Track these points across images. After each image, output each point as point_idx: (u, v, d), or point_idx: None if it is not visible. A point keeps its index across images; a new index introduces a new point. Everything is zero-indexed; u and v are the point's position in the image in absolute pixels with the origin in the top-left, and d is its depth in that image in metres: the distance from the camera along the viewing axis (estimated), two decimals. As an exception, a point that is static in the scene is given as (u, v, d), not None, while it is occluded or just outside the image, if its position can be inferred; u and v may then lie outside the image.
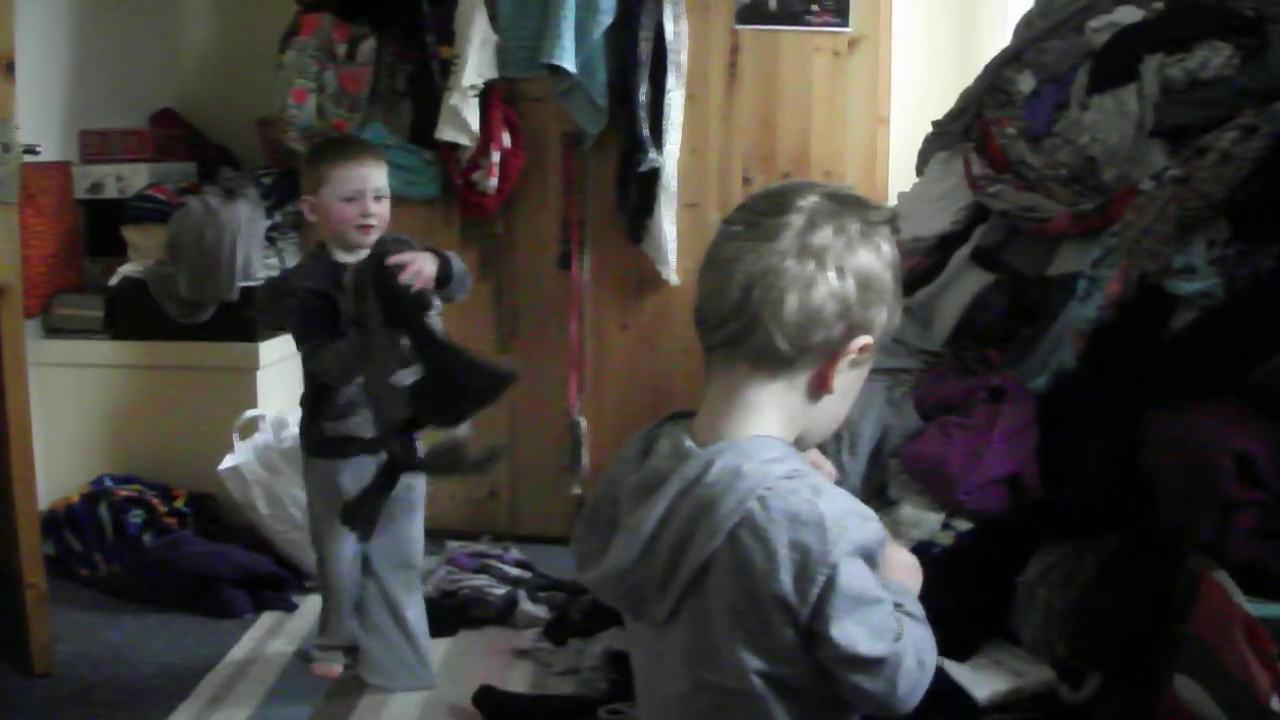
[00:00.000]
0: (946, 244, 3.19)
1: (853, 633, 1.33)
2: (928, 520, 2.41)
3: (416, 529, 3.37)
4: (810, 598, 1.32)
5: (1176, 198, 2.39)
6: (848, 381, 1.45)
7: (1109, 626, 2.17)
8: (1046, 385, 2.58)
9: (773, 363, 1.41)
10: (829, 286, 1.38)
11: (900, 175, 4.07)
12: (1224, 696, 1.85)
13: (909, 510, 2.44)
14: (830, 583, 1.32)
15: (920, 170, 3.57)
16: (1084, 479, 2.31)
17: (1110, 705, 2.15)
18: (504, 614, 3.72)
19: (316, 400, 3.29)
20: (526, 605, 3.73)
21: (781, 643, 1.35)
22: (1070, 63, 2.99)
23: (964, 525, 2.45)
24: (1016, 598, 2.39)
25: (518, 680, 3.36)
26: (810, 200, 1.41)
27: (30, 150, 3.61)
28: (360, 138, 3.26)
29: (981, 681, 2.21)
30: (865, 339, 1.41)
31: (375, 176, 3.16)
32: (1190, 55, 2.71)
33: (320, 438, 3.29)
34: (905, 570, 1.52)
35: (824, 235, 1.39)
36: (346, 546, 3.32)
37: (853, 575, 1.33)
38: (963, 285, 3.00)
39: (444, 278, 3.09)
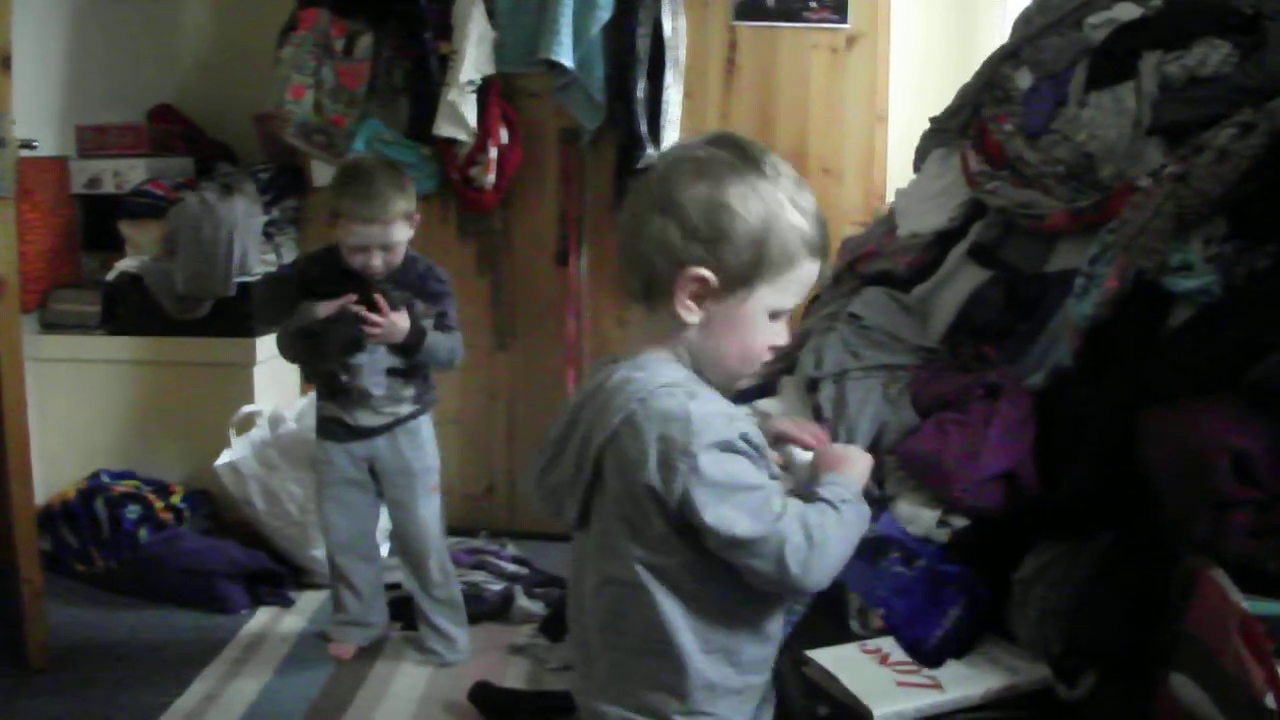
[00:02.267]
0: (944, 240, 3.18)
1: (727, 516, 1.49)
2: (923, 517, 2.40)
3: (425, 513, 3.45)
4: (675, 488, 1.48)
5: (1174, 195, 2.38)
6: (726, 317, 1.57)
7: (1105, 624, 2.17)
8: (1043, 382, 2.58)
9: (642, 299, 1.61)
10: (652, 225, 1.55)
11: (898, 172, 4.06)
12: (1220, 694, 1.85)
13: (905, 507, 2.43)
14: (693, 472, 1.48)
15: (917, 167, 3.56)
16: (1080, 476, 2.30)
17: (1106, 703, 2.15)
18: (500, 610, 3.73)
19: (319, 382, 3.46)
20: (523, 601, 3.73)
21: (656, 531, 1.52)
22: (1068, 60, 2.98)
23: (960, 522, 2.44)
24: (1012, 595, 2.39)
25: (514, 676, 3.37)
26: (677, 150, 1.64)
27: (27, 145, 3.60)
28: (366, 175, 3.27)
29: (976, 678, 2.21)
30: (697, 271, 1.53)
31: (385, 234, 3.23)
32: (1188, 52, 2.70)
33: (318, 417, 3.47)
34: (837, 459, 1.75)
35: (659, 175, 1.57)
36: (340, 520, 3.40)
37: (715, 464, 1.49)
38: (960, 282, 3.00)
39: (410, 347, 3.28)
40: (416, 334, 3.24)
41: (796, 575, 1.53)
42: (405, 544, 3.48)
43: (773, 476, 1.60)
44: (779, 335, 1.62)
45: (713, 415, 1.51)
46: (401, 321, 3.21)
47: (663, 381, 1.54)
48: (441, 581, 3.47)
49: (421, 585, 3.46)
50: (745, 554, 1.52)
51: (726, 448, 1.50)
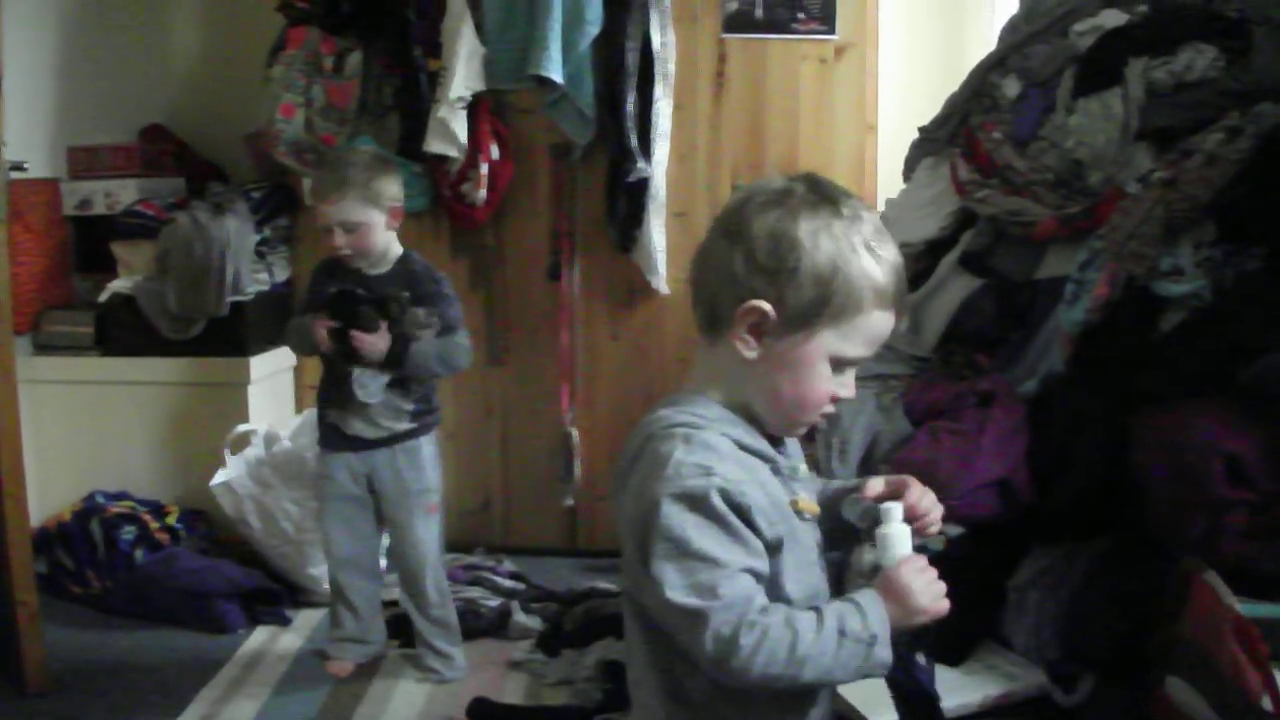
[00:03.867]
0: (934, 249, 3.20)
1: (668, 575, 1.41)
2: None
3: (421, 534, 3.43)
4: (640, 529, 1.45)
5: (1163, 200, 2.39)
6: (782, 355, 1.50)
7: (1101, 629, 2.17)
8: (1036, 389, 2.59)
9: (704, 330, 1.56)
10: (719, 253, 1.51)
11: (889, 182, 4.07)
12: (1216, 697, 1.86)
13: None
14: (652, 517, 1.43)
15: (907, 176, 3.58)
16: (1074, 482, 2.31)
17: (1103, 708, 2.15)
18: (497, 626, 3.72)
19: (321, 389, 3.48)
20: (520, 617, 3.72)
21: (635, 569, 1.48)
22: (1055, 67, 3.00)
23: (955, 530, 2.45)
24: (1008, 602, 2.40)
25: (512, 692, 3.36)
26: (757, 182, 1.56)
27: (18, 167, 3.61)
28: (341, 161, 3.35)
29: (974, 686, 2.21)
30: (757, 303, 1.48)
31: (339, 211, 3.23)
32: (1175, 58, 2.71)
33: (319, 424, 3.48)
34: (891, 587, 1.47)
35: (733, 204, 1.54)
36: (341, 535, 3.40)
37: (672, 516, 1.42)
38: (951, 290, 3.01)
39: (394, 362, 3.28)
40: (395, 355, 3.24)
41: (714, 661, 1.40)
42: (401, 563, 3.48)
43: (771, 544, 1.46)
44: (844, 386, 1.54)
45: (689, 463, 1.45)
46: (380, 343, 3.22)
47: (679, 420, 1.51)
48: (438, 602, 3.46)
49: (417, 605, 3.46)
50: (673, 619, 1.43)
51: (690, 502, 1.42)
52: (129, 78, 4.74)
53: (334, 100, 4.18)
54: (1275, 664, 1.81)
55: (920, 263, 3.16)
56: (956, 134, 3.29)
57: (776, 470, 1.55)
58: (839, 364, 1.52)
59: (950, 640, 2.31)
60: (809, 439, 2.61)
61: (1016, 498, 2.40)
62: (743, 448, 1.52)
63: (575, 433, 4.34)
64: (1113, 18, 2.96)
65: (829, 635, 1.41)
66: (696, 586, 1.40)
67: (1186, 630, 1.96)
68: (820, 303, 1.47)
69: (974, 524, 2.43)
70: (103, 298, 4.30)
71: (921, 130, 3.53)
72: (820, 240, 1.46)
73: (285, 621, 3.85)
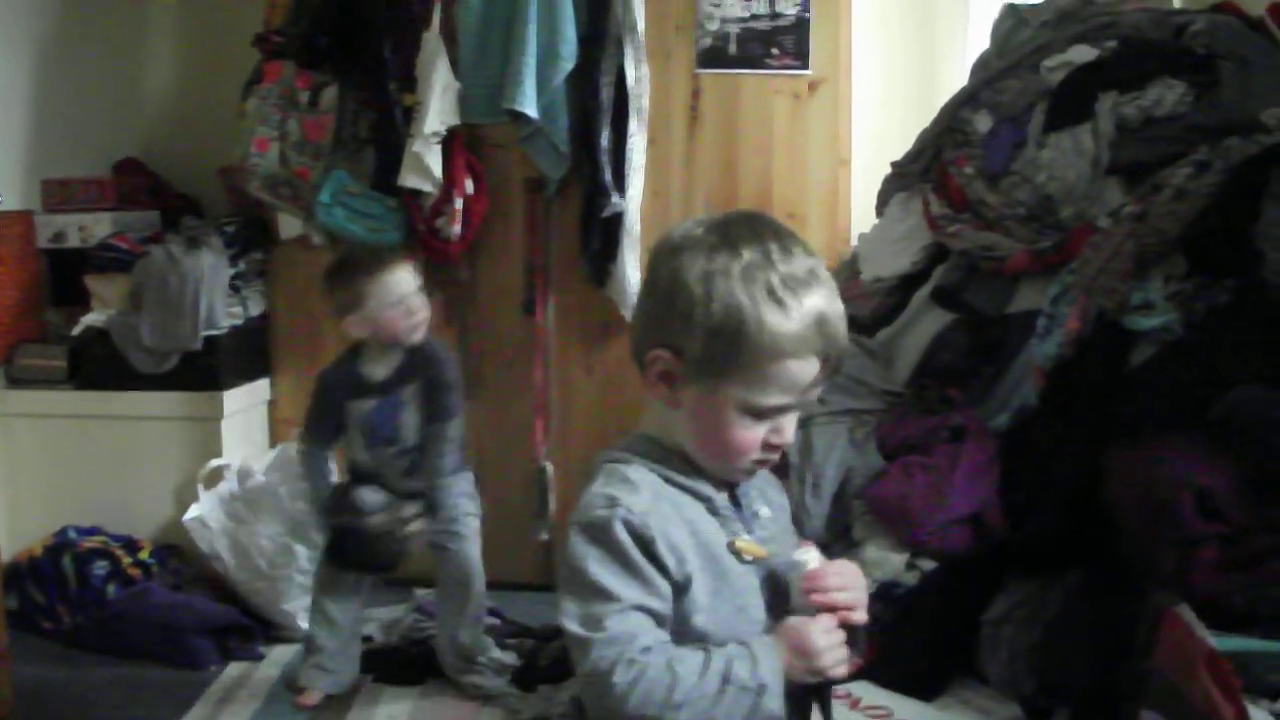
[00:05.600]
0: (907, 284, 3.21)
1: (565, 603, 1.42)
2: (892, 560, 2.42)
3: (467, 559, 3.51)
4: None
5: (1133, 234, 2.41)
6: (693, 405, 1.47)
7: (1074, 663, 2.18)
8: (1008, 423, 2.60)
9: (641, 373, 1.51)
10: (639, 300, 1.52)
11: (862, 216, 4.09)
12: (1188, 731, 1.86)
13: (873, 551, 2.45)
14: (566, 546, 1.43)
15: (880, 211, 3.59)
16: (1046, 515, 2.32)
17: (1077, 742, 2.16)
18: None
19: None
20: (495, 652, 3.71)
21: None
22: (1026, 102, 3.02)
23: (928, 565, 2.45)
24: (982, 636, 2.40)
25: (487, 727, 3.34)
26: (679, 226, 1.50)
27: (-9, 200, 3.60)
28: (363, 248, 3.57)
29: (948, 720, 2.21)
30: (659, 352, 1.45)
31: (409, 277, 3.32)
32: (1144, 93, 2.74)
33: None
34: (793, 636, 1.44)
35: (653, 250, 1.51)
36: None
37: (577, 545, 1.42)
38: (923, 325, 3.02)
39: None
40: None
41: (596, 690, 1.38)
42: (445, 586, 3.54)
43: (679, 582, 1.42)
44: (776, 433, 1.47)
45: (599, 494, 1.45)
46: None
47: (611, 455, 1.52)
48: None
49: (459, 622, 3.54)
50: (571, 651, 1.42)
51: (593, 533, 1.42)
52: (104, 111, 4.74)
53: (309, 134, 4.19)
54: (1247, 697, 1.82)
55: (893, 297, 3.18)
56: (929, 169, 3.31)
57: (713, 510, 1.51)
58: (759, 412, 1.45)
59: (925, 674, 2.31)
60: (782, 476, 2.61)
61: (989, 532, 2.41)
62: (674, 484, 1.49)
63: (549, 467, 4.33)
64: (1083, 53, 2.98)
65: (711, 681, 1.37)
66: (586, 617, 1.39)
67: (1159, 663, 1.96)
68: (716, 355, 1.42)
69: (947, 558, 2.44)
70: (76, 331, 4.28)
71: (894, 165, 3.55)
72: (715, 289, 1.41)
73: (258, 657, 3.82)
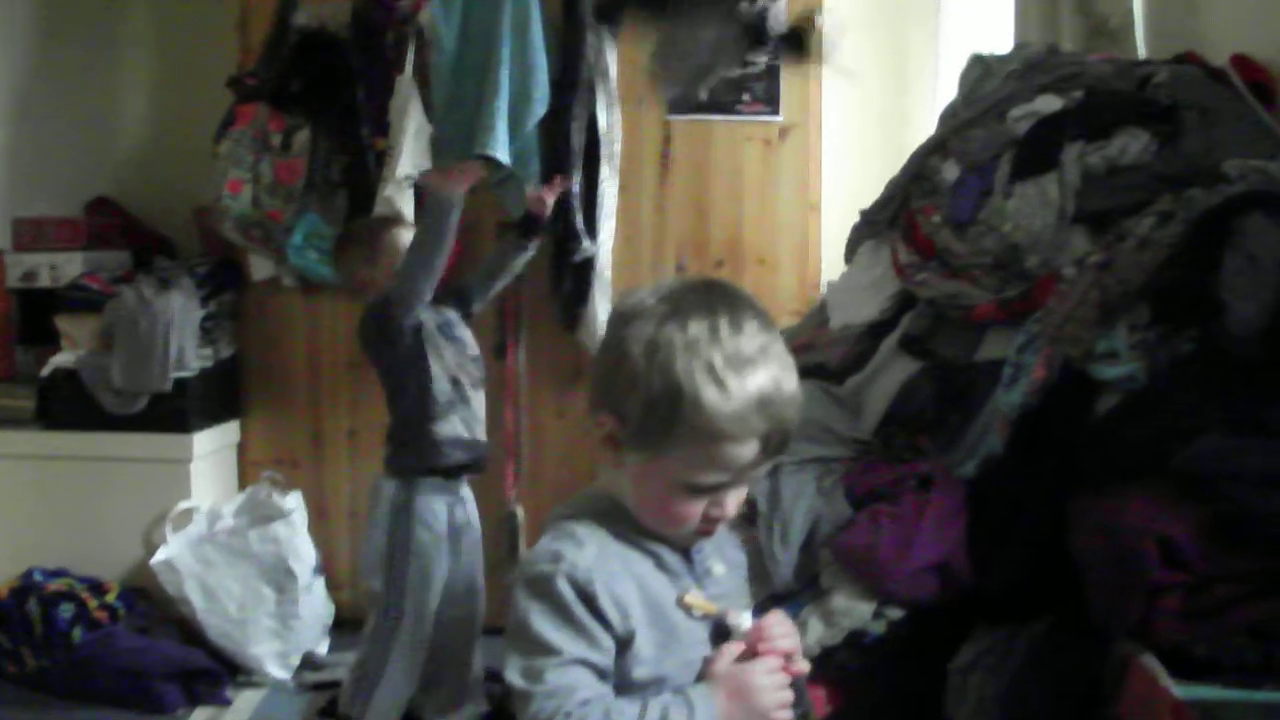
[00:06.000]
0: (876, 332, 3.22)
1: (509, 655, 1.45)
2: (859, 609, 2.42)
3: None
4: None
5: (1098, 283, 2.43)
6: (639, 473, 1.47)
7: (1040, 712, 2.18)
8: (975, 471, 2.60)
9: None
10: (594, 360, 1.54)
11: (833, 262, 4.11)
12: (1152, 780, 1.87)
13: (841, 600, 2.45)
14: (513, 598, 1.45)
15: (849, 259, 3.61)
16: (1012, 564, 2.32)
17: (1043, 790, 2.16)
18: (441, 706, 3.68)
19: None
20: (464, 696, 3.70)
21: None
22: (993, 151, 3.04)
23: (896, 613, 2.46)
24: (949, 685, 2.40)
25: (455, 773, 3.33)
26: (635, 292, 1.50)
27: (-39, 241, 3.59)
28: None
29: (915, 769, 2.21)
30: (603, 416, 1.47)
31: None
32: (1109, 142, 2.76)
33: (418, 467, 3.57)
34: (733, 684, 1.46)
35: (611, 311, 1.53)
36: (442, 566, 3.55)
37: (521, 600, 1.44)
38: (891, 373, 3.03)
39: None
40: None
41: None
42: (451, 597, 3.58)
43: (621, 637, 1.44)
44: (715, 506, 1.47)
45: (545, 549, 1.47)
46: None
47: (561, 511, 1.54)
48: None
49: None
50: (514, 700, 1.43)
51: (535, 587, 1.44)
52: (76, 150, 4.74)
53: (281, 177, 4.20)
54: (1210, 747, 1.83)
55: (861, 345, 3.19)
56: (897, 217, 3.33)
57: (661, 566, 1.51)
58: (697, 489, 1.45)
59: (892, 723, 2.31)
60: (750, 524, 2.61)
61: (956, 580, 2.41)
62: (623, 540, 1.49)
63: (520, 511, 4.33)
64: (1049, 103, 3.01)
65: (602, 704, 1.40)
66: (528, 669, 1.41)
67: (1124, 712, 1.97)
68: (654, 428, 1.42)
69: (915, 607, 2.44)
70: (45, 371, 4.28)
71: (863, 213, 3.57)
72: (656, 361, 1.40)
73: (225, 702, 3.81)
